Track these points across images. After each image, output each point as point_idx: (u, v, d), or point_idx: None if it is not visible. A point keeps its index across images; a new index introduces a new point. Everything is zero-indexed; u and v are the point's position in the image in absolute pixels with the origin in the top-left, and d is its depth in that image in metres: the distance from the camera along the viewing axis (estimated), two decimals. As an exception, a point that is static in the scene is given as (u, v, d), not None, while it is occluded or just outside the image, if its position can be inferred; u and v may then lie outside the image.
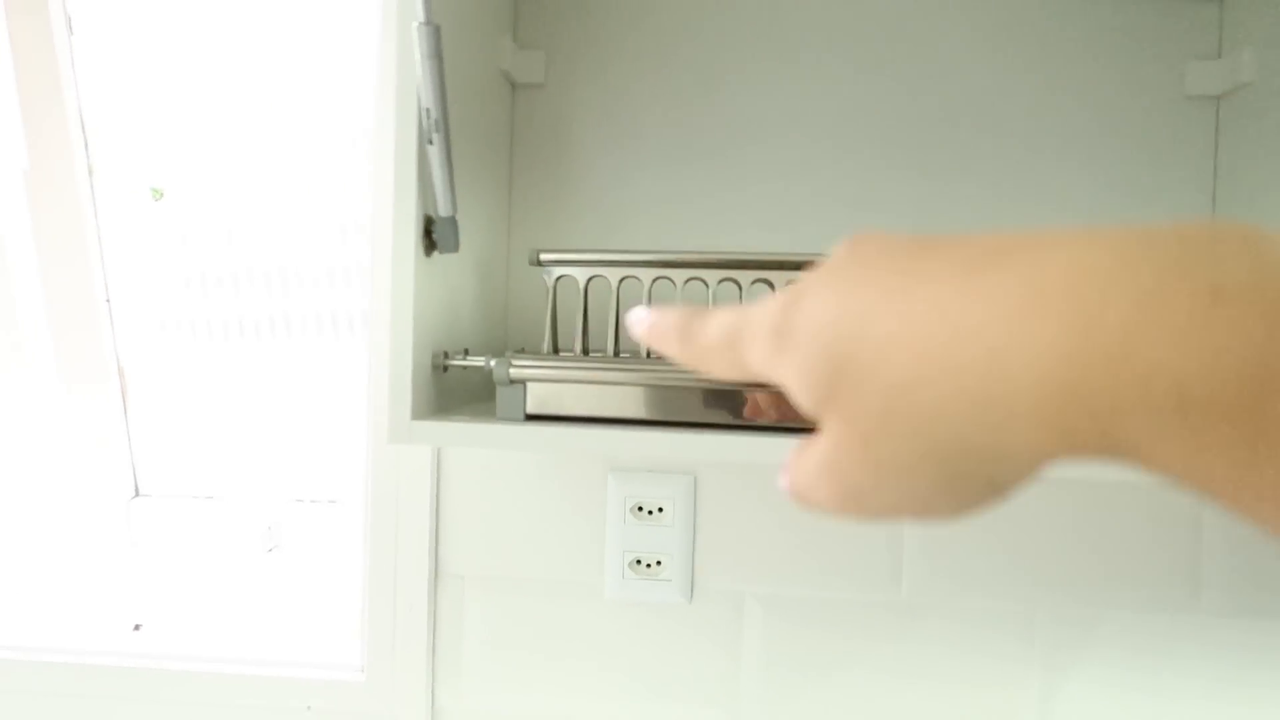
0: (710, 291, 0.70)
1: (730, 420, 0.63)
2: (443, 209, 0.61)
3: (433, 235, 0.62)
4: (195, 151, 1.16)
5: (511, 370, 0.63)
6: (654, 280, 0.71)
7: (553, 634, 0.90)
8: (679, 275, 0.70)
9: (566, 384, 0.64)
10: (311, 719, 0.91)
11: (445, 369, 0.66)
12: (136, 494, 1.30)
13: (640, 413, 0.64)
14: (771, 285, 0.70)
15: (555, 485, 0.89)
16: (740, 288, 0.70)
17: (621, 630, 0.89)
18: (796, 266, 0.67)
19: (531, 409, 0.64)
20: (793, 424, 0.61)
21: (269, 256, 1.22)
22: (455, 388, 0.72)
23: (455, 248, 0.62)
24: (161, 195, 1.15)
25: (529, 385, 0.64)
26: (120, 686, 0.92)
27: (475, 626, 0.90)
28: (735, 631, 0.88)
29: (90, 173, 1.14)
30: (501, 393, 0.64)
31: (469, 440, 0.62)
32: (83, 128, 1.14)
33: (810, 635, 0.88)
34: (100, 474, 1.27)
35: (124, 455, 1.28)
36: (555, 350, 0.69)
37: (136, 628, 1.03)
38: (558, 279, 0.71)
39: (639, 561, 0.88)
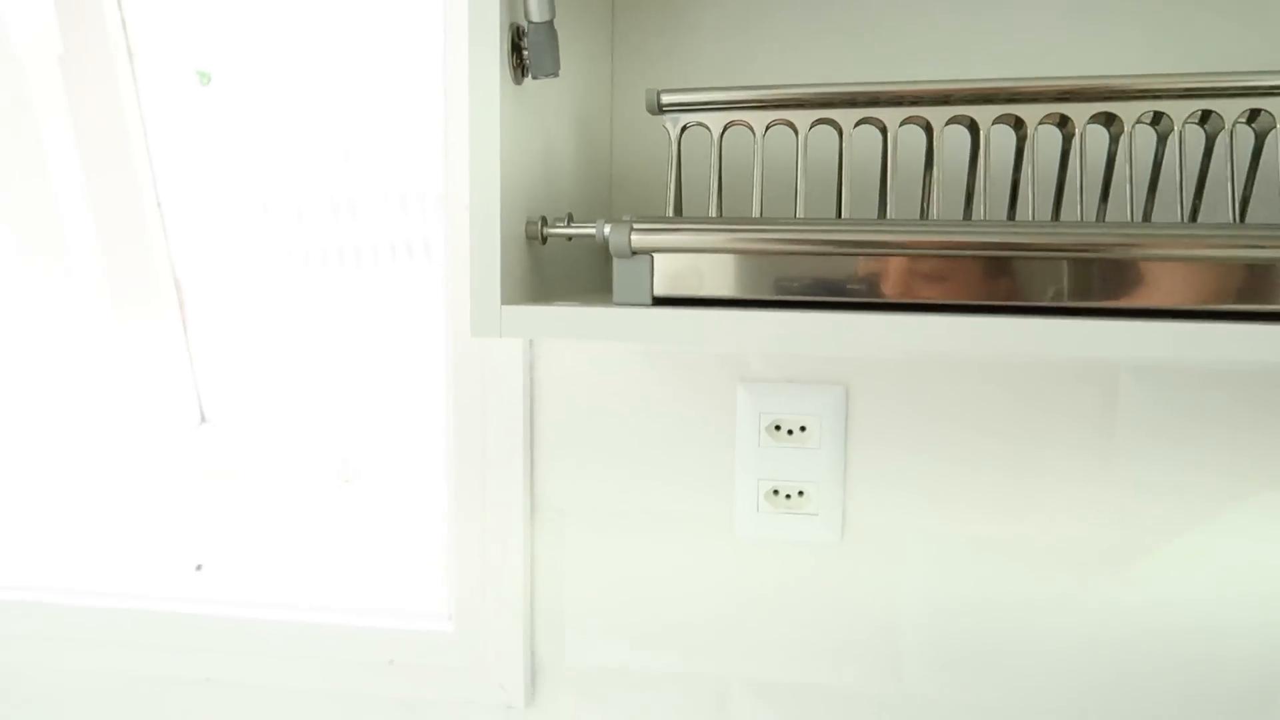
0: (890, 139, 0.52)
1: (954, 300, 0.46)
2: (535, 11, 0.44)
3: (523, 53, 0.46)
4: (244, 28, 1.02)
5: (634, 237, 0.47)
6: (812, 125, 0.53)
7: (671, 579, 0.75)
8: (847, 118, 0.53)
9: (710, 254, 0.47)
10: (393, 675, 0.78)
11: (543, 239, 0.50)
12: (202, 420, 1.19)
13: (820, 293, 0.47)
14: (976, 126, 0.52)
15: (673, 401, 0.73)
16: (929, 130, 0.52)
17: (756, 574, 0.74)
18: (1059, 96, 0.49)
19: (660, 290, 0.48)
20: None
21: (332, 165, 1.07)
22: (553, 275, 0.56)
23: (553, 68, 0.46)
24: (209, 80, 1.01)
25: (657, 258, 0.48)
26: (181, 636, 0.81)
27: (578, 570, 0.76)
28: (899, 575, 0.72)
29: (130, 55, 1.00)
30: (621, 268, 0.48)
31: (577, 330, 0.46)
32: (119, 4, 1.00)
33: (987, 579, 0.71)
34: (161, 400, 1.16)
35: (186, 380, 1.17)
36: (685, 216, 0.53)
37: (198, 568, 0.92)
38: (683, 129, 0.54)
39: (777, 492, 0.72)
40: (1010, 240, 0.46)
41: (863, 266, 0.47)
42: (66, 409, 1.05)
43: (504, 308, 0.46)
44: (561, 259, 0.58)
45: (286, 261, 1.14)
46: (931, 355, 0.69)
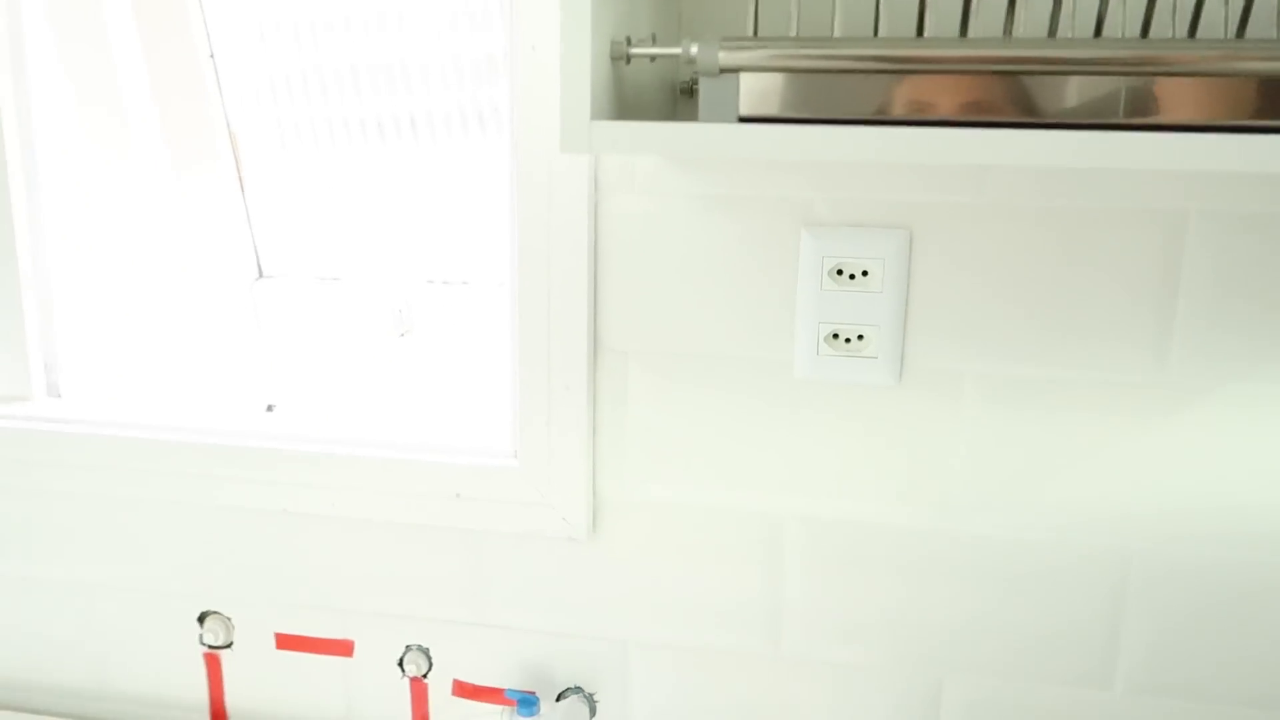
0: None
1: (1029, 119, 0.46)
2: None
3: None
4: None
5: (722, 55, 0.47)
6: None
7: (731, 418, 0.77)
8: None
9: (797, 74, 0.47)
10: (460, 507, 0.82)
11: (627, 59, 0.50)
12: (260, 275, 1.22)
13: (910, 113, 0.47)
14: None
15: (736, 245, 0.74)
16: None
17: (814, 415, 0.76)
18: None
19: (745, 109, 0.48)
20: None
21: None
22: (630, 106, 0.56)
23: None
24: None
25: (743, 77, 0.48)
26: (258, 469, 0.85)
27: (641, 408, 0.78)
28: (953, 417, 0.74)
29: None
30: (707, 87, 0.48)
31: (669, 146, 0.47)
32: None
33: (1044, 422, 0.72)
34: (220, 254, 1.18)
35: (244, 234, 1.19)
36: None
37: (269, 409, 0.95)
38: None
39: (837, 335, 0.74)
40: (1076, 55, 0.46)
41: (941, 85, 0.47)
42: (128, 259, 1.07)
43: (594, 122, 0.46)
44: (635, 96, 0.58)
45: (342, 126, 1.14)
46: (1002, 184, 0.69)
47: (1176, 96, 0.46)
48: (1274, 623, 0.72)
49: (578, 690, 0.85)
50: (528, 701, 0.83)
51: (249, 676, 0.91)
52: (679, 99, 0.70)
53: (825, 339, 0.74)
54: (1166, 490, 0.72)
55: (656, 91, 0.65)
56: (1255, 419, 0.69)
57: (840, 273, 0.73)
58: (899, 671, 0.79)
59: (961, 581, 0.76)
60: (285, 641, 0.89)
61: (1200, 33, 0.52)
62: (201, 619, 0.90)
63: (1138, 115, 0.47)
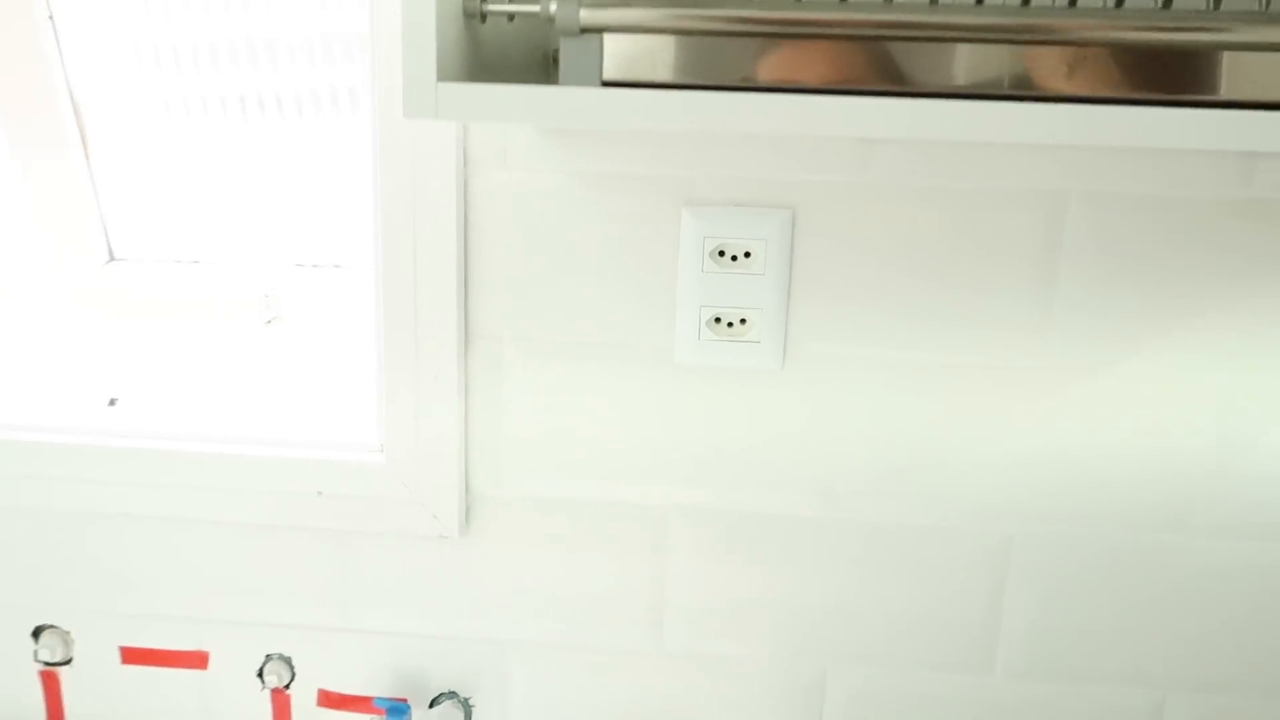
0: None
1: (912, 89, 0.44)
2: None
3: None
4: None
5: (584, 13, 0.43)
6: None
7: (611, 407, 0.74)
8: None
9: (665, 35, 0.44)
10: (322, 506, 0.76)
11: (482, 17, 0.46)
12: (111, 258, 1.13)
13: (785, 80, 0.44)
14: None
15: (614, 225, 0.70)
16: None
17: (696, 402, 0.73)
18: None
19: (610, 73, 0.45)
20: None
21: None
22: (491, 68, 0.52)
23: None
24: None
25: (607, 39, 0.44)
26: (97, 469, 0.78)
27: (516, 398, 0.74)
28: (837, 403, 0.72)
29: None
30: (568, 49, 0.44)
31: (522, 111, 0.43)
32: None
33: (929, 407, 0.71)
34: (64, 234, 1.08)
35: (91, 211, 1.10)
36: None
37: (112, 403, 0.88)
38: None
39: (719, 319, 0.71)
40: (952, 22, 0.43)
41: (818, 51, 0.45)
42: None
43: (440, 84, 0.42)
44: (500, 62, 0.54)
45: (199, 102, 1.06)
46: (886, 162, 0.67)
47: (1059, 68, 0.44)
48: (1153, 601, 0.73)
49: (452, 695, 0.80)
50: (397, 709, 0.79)
51: (92, 695, 0.83)
52: (551, 68, 0.65)
53: (707, 323, 0.71)
54: (1049, 472, 0.71)
55: (525, 58, 0.61)
56: (1136, 399, 0.69)
57: (722, 254, 0.70)
58: (783, 663, 0.77)
59: (846, 570, 0.75)
60: (131, 655, 0.82)
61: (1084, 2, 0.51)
62: (36, 634, 0.82)
63: (1022, 88, 0.46)
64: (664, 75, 0.45)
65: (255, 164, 1.10)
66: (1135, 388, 0.69)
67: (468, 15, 0.46)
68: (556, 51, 0.63)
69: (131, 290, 1.11)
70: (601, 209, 0.70)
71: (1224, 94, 0.44)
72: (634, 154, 0.68)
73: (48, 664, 0.83)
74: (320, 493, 0.76)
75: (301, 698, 0.82)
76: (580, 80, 0.44)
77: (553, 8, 0.44)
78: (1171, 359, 0.69)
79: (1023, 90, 0.45)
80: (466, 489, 0.76)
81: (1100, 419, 0.70)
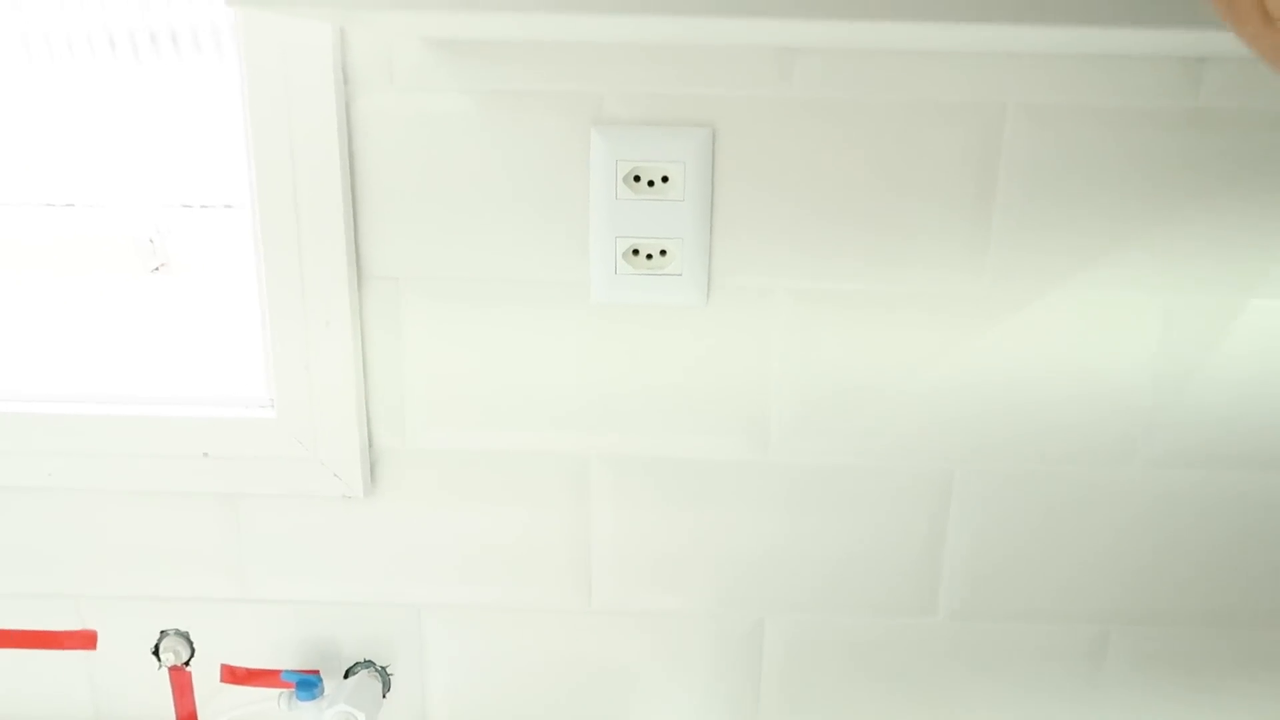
0: None
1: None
2: None
3: None
4: None
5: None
6: None
7: (523, 350, 0.68)
8: None
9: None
10: (210, 468, 0.70)
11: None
12: (-28, 204, 1.02)
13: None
14: None
15: (517, 149, 0.63)
16: None
17: (615, 342, 0.67)
18: None
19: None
20: None
21: None
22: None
23: None
24: None
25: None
26: (-45, 437, 0.70)
27: (418, 344, 0.68)
28: (765, 338, 0.67)
29: None
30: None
31: None
32: None
33: (856, 340, 0.66)
34: (-83, 178, 0.98)
35: (-54, 153, 0.99)
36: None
37: (-29, 363, 0.79)
38: None
39: (637, 251, 0.65)
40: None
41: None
42: None
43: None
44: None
45: (63, 41, 0.95)
46: (811, 73, 0.62)
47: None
48: (1093, 537, 0.70)
49: (368, 664, 0.75)
50: (308, 683, 0.73)
51: (-33, 682, 0.77)
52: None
53: (624, 255, 0.65)
54: (986, 405, 0.67)
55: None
56: (1076, 324, 0.66)
57: (638, 179, 0.64)
58: (718, 614, 0.73)
59: (780, 514, 0.70)
60: (9, 638, 0.75)
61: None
62: (-101, 620, 0.75)
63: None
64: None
65: (133, 104, 1.00)
66: (1076, 312, 0.65)
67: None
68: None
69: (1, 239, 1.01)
70: (503, 132, 0.63)
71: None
72: (535, 68, 0.62)
73: (-85, 652, 0.75)
74: (206, 454, 0.69)
75: (203, 675, 0.76)
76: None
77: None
78: (1113, 278, 0.65)
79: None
80: (370, 444, 0.70)
81: (1040, 346, 0.66)
